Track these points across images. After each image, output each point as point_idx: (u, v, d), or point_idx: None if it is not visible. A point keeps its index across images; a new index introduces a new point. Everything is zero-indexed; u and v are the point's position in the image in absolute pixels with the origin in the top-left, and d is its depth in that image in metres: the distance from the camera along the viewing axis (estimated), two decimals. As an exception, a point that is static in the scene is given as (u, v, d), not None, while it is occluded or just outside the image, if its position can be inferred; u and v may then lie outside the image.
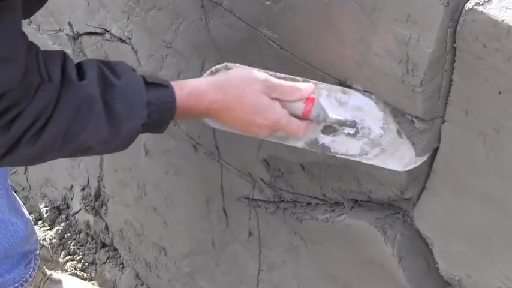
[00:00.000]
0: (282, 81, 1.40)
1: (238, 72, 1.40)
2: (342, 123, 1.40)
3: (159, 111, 1.30)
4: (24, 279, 2.28)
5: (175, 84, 1.34)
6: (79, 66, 1.27)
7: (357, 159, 1.40)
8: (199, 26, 1.72)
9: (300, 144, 1.44)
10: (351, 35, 1.35)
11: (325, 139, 1.42)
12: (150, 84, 1.31)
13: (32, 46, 1.23)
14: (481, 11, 1.14)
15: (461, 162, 1.33)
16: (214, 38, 1.71)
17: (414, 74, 1.25)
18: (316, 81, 1.42)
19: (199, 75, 1.79)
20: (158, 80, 1.33)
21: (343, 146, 1.41)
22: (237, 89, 1.36)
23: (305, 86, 1.39)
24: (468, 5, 1.16)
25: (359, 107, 1.40)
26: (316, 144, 1.43)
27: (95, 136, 1.26)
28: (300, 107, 1.38)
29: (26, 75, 1.17)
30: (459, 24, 1.18)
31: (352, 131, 1.41)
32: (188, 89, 1.34)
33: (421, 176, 1.42)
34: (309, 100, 1.38)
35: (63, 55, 1.26)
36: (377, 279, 1.58)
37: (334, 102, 1.42)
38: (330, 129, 1.42)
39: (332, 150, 1.42)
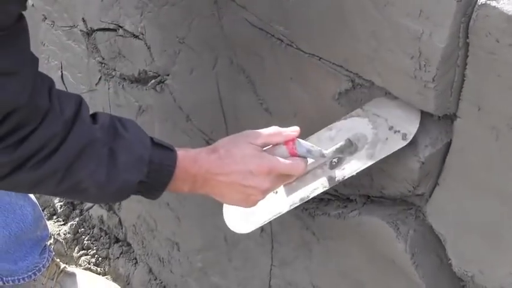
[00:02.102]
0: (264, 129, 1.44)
1: (227, 137, 1.45)
2: (340, 150, 1.45)
3: (159, 171, 1.34)
4: (37, 268, 2.30)
5: (179, 150, 1.39)
6: (93, 113, 1.33)
7: (370, 164, 1.42)
8: (212, 22, 1.72)
9: (319, 190, 1.47)
10: (363, 30, 1.35)
11: (337, 173, 1.45)
12: (156, 144, 1.36)
13: (43, 76, 1.27)
14: (494, 6, 1.13)
15: (474, 158, 1.32)
16: (226, 34, 1.71)
17: (426, 70, 1.25)
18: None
19: (212, 70, 1.80)
20: (164, 142, 1.37)
21: (354, 165, 1.44)
22: (227, 145, 1.41)
23: (286, 130, 1.43)
24: (481, 0, 1.15)
25: (346, 128, 1.47)
26: (333, 180, 1.46)
27: (93, 178, 1.29)
28: (283, 149, 1.41)
29: (34, 96, 1.20)
30: (472, 19, 1.17)
31: (352, 149, 1.45)
32: (183, 151, 1.39)
33: (434, 172, 1.42)
34: (289, 140, 1.42)
35: (81, 99, 1.31)
36: (389, 275, 1.58)
37: (325, 141, 1.48)
38: (335, 163, 1.47)
39: (349, 175, 1.44)
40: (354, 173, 1.43)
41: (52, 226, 2.77)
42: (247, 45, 1.68)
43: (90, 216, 2.77)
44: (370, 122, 1.44)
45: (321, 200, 1.70)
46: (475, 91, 1.25)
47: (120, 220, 2.62)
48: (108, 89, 2.33)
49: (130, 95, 2.22)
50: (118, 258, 2.63)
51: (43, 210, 2.66)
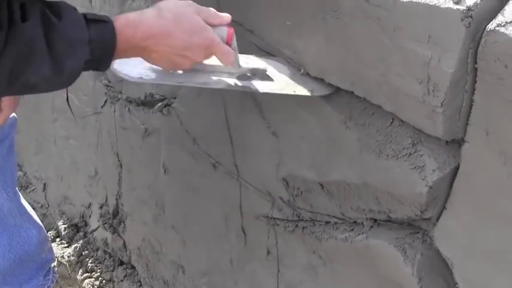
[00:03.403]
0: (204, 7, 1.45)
1: (171, 0, 1.44)
2: (254, 72, 1.53)
3: (101, 47, 1.34)
4: None
5: (116, 18, 1.37)
6: (22, 7, 1.29)
7: (273, 91, 1.52)
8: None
9: (220, 85, 1.52)
10: (371, 55, 1.36)
11: (242, 83, 1.52)
12: (91, 21, 1.34)
13: None
14: (503, 32, 1.14)
15: (481, 183, 1.33)
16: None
17: (435, 95, 1.26)
18: None
19: (219, 93, 1.81)
20: (98, 16, 1.36)
21: (260, 85, 1.52)
22: (173, 12, 1.40)
23: (223, 15, 1.46)
24: (490, 26, 1.16)
25: (268, 62, 1.58)
26: (236, 86, 1.52)
27: (39, 74, 1.29)
28: (224, 30, 1.44)
29: None
30: (480, 45, 1.18)
31: (264, 77, 1.54)
32: (124, 19, 1.37)
33: (441, 196, 1.42)
34: (232, 28, 1.46)
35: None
36: (396, 299, 1.58)
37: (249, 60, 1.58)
38: (245, 77, 1.53)
39: (252, 89, 1.52)
40: (257, 90, 1.51)
41: (56, 248, 2.77)
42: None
43: (94, 239, 2.76)
44: (289, 69, 1.56)
45: (327, 223, 1.71)
46: (483, 116, 1.26)
47: (124, 243, 2.62)
48: (114, 111, 2.33)
49: (136, 118, 2.23)
50: (122, 281, 2.62)
51: (47, 233, 2.66)
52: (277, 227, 1.84)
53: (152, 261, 2.46)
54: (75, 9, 1.36)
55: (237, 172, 1.90)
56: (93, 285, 2.63)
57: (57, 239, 2.87)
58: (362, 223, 1.62)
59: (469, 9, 1.17)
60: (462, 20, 1.18)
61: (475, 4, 1.18)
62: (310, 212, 1.73)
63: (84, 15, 1.34)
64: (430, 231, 1.50)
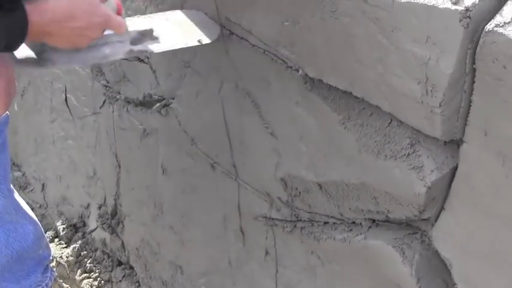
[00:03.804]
0: None
1: None
2: (143, 33, 1.60)
3: (15, 33, 1.38)
4: (40, 287, 2.29)
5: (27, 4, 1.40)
6: None
7: (164, 49, 1.62)
8: (217, 46, 1.73)
9: (118, 56, 1.59)
10: (369, 55, 1.36)
11: (136, 47, 1.59)
12: (6, 10, 1.36)
13: None
14: (501, 33, 1.14)
15: (480, 183, 1.33)
16: (232, 58, 1.72)
17: (433, 95, 1.26)
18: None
19: (217, 94, 1.81)
20: (12, 4, 1.38)
21: (153, 46, 1.60)
22: None
23: None
24: (488, 27, 1.16)
25: (154, 22, 1.67)
26: (133, 52, 1.60)
27: None
28: (113, 2, 1.53)
29: None
30: (479, 45, 1.18)
31: (153, 38, 1.61)
32: (31, 6, 1.39)
33: (440, 196, 1.42)
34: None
35: None
36: (395, 300, 1.58)
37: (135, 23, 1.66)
38: (136, 41, 1.60)
39: (145, 50, 1.60)
40: (152, 52, 1.61)
41: (54, 249, 2.76)
42: (253, 69, 1.69)
43: (93, 239, 2.76)
44: (174, 25, 1.68)
45: (325, 223, 1.71)
46: (482, 116, 1.26)
47: (123, 243, 2.61)
48: (113, 112, 2.33)
49: (134, 118, 2.23)
50: (121, 281, 2.62)
51: (45, 233, 2.66)
52: (275, 227, 1.84)
53: (151, 262, 2.46)
54: None
55: (235, 172, 1.90)
56: (91, 286, 2.63)
57: (56, 240, 2.86)
58: (360, 223, 1.62)
59: (467, 9, 1.17)
60: (460, 20, 1.18)
61: (473, 4, 1.18)
62: (309, 212, 1.73)
63: None
64: (429, 231, 1.50)
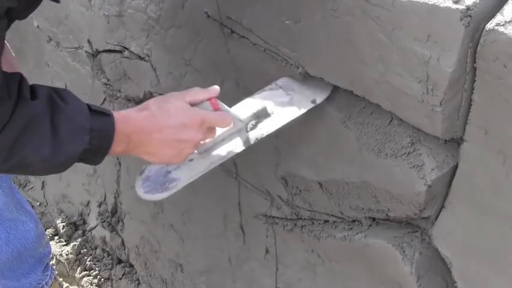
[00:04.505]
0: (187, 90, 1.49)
1: (154, 98, 1.48)
2: (256, 115, 1.54)
3: (100, 137, 1.36)
4: (40, 285, 2.29)
5: (116, 114, 1.41)
6: (32, 88, 1.34)
7: (282, 124, 1.53)
8: (218, 44, 1.74)
9: (237, 150, 1.52)
10: (370, 54, 1.36)
11: (252, 134, 1.53)
12: (94, 112, 1.37)
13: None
14: (502, 32, 1.14)
15: (480, 182, 1.33)
16: (233, 57, 1.72)
17: (434, 94, 1.26)
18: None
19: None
20: (101, 108, 1.40)
21: (269, 126, 1.53)
22: (158, 103, 1.44)
23: (207, 88, 1.49)
24: (489, 26, 1.17)
25: (262, 97, 1.59)
26: (248, 142, 1.52)
27: (38, 153, 1.31)
28: (206, 103, 1.46)
29: None
30: (479, 44, 1.18)
31: (267, 115, 1.55)
32: (117, 114, 1.40)
33: (440, 195, 1.42)
34: (211, 98, 1.47)
35: (20, 76, 1.33)
36: (395, 298, 1.58)
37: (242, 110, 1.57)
38: (253, 126, 1.54)
39: (262, 135, 1.52)
40: (268, 133, 1.52)
41: (54, 247, 2.77)
42: (254, 68, 1.69)
43: (93, 237, 2.76)
44: (284, 92, 1.57)
45: (326, 222, 1.71)
46: (482, 115, 1.26)
47: (123, 241, 2.62)
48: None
49: (135, 116, 2.22)
50: (121, 279, 2.62)
51: (45, 231, 2.66)
52: (275, 225, 1.84)
53: (151, 260, 2.47)
54: (78, 99, 1.39)
55: (235, 171, 1.90)
56: (91, 284, 2.64)
57: (56, 237, 2.86)
58: (361, 222, 1.62)
59: (468, 8, 1.17)
60: (461, 19, 1.18)
61: (474, 3, 1.18)
62: (309, 210, 1.73)
63: (88, 105, 1.37)
64: (429, 230, 1.50)
